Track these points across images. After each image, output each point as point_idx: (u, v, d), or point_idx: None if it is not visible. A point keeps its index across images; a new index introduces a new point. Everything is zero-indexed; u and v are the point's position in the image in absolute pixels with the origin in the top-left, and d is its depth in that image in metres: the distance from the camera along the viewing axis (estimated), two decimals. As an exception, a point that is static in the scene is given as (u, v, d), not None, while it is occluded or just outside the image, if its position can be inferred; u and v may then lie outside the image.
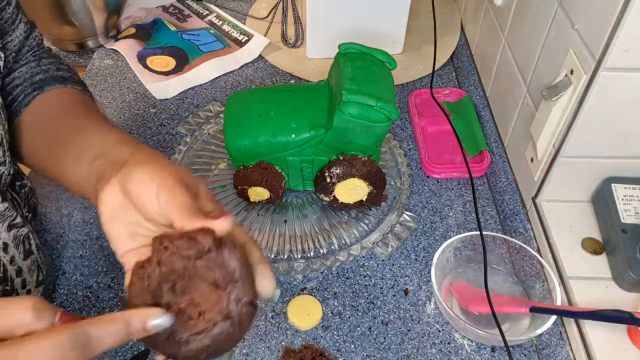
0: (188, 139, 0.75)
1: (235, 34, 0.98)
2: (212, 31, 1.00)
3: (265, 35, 0.98)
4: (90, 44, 0.96)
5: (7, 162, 0.51)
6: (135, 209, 0.38)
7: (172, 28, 0.99)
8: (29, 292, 0.56)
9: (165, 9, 1.05)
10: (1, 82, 0.53)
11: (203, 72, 0.91)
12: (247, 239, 0.38)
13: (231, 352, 0.39)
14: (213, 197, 0.42)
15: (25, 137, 0.53)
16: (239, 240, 0.36)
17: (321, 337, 0.59)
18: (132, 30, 0.98)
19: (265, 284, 0.37)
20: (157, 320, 0.34)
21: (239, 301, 0.35)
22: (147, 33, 0.98)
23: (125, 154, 0.42)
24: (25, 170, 0.67)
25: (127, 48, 0.94)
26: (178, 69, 0.91)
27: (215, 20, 1.02)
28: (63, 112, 0.52)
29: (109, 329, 0.32)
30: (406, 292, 0.62)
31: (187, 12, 1.05)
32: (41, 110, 0.53)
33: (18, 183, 0.62)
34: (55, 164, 0.48)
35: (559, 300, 0.55)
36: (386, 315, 0.60)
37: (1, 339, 0.31)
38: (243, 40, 0.97)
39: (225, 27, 1.00)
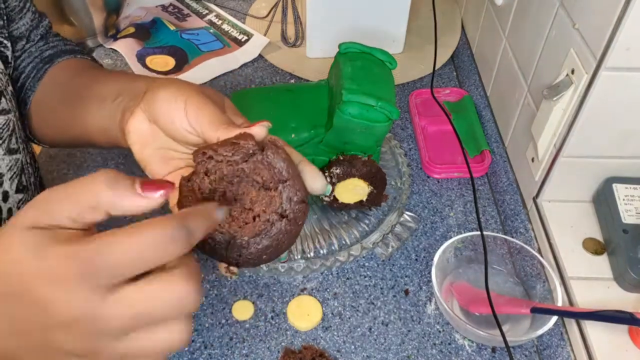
0: (188, 139, 0.75)
1: (234, 34, 0.98)
2: (211, 30, 0.99)
3: (265, 35, 0.98)
4: (90, 43, 0.96)
5: (20, 149, 0.52)
6: (165, 133, 0.38)
7: (172, 27, 0.99)
8: None
9: (164, 8, 1.05)
10: (11, 72, 0.54)
11: (203, 72, 0.90)
12: (286, 144, 0.38)
13: (289, 252, 0.39)
14: (239, 112, 0.41)
15: (43, 106, 0.53)
16: (279, 142, 0.36)
17: (321, 337, 0.58)
18: (132, 30, 0.98)
19: (315, 180, 0.37)
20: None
21: (290, 200, 0.36)
22: (147, 32, 0.98)
23: (142, 85, 0.42)
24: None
25: (126, 47, 0.94)
26: (177, 69, 0.91)
27: (214, 20, 1.02)
28: (77, 75, 0.53)
29: (199, 221, 0.31)
30: (406, 292, 0.62)
31: (186, 11, 1.05)
32: (55, 78, 0.54)
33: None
34: (77, 120, 0.48)
35: (559, 300, 0.55)
36: (386, 316, 0.60)
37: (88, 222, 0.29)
38: (243, 40, 0.97)
39: (225, 27, 1.00)
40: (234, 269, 0.39)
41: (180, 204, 0.37)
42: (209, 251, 0.37)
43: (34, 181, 0.57)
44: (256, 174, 0.35)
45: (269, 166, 0.35)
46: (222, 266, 0.39)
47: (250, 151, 0.35)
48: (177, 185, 0.36)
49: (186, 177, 0.37)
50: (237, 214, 0.36)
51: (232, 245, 0.36)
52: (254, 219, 0.36)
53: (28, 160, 0.55)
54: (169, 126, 0.38)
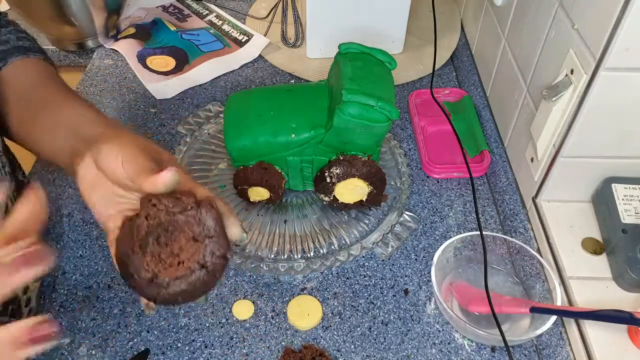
0: (188, 139, 0.75)
1: (235, 34, 0.98)
2: (212, 31, 0.99)
3: (265, 35, 0.98)
4: (90, 43, 0.96)
5: None
6: (109, 180, 0.43)
7: (172, 28, 0.99)
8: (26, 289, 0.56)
9: (165, 8, 1.05)
10: None
11: (203, 72, 0.90)
12: (217, 198, 0.43)
13: (206, 297, 0.44)
14: (175, 161, 0.47)
15: None
16: (215, 201, 0.42)
17: (321, 337, 0.59)
18: (132, 30, 0.98)
19: (234, 231, 0.43)
20: None
21: (213, 254, 0.41)
22: (147, 33, 0.98)
23: (96, 131, 0.47)
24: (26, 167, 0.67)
25: (127, 48, 0.94)
26: (178, 69, 0.91)
27: (215, 20, 1.02)
28: (30, 85, 0.55)
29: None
30: (406, 292, 0.62)
31: (186, 11, 1.05)
32: (7, 82, 0.55)
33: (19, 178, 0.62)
34: (29, 134, 0.52)
35: (559, 300, 0.55)
36: (386, 316, 0.60)
37: None
38: (243, 40, 0.97)
39: (225, 27, 1.00)
40: (152, 304, 0.43)
41: (119, 241, 0.41)
42: (132, 285, 0.41)
43: (8, 170, 0.57)
44: (188, 227, 0.41)
45: (200, 222, 0.41)
46: (144, 301, 0.44)
47: (189, 206, 0.40)
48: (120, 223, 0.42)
49: (129, 217, 0.41)
50: (165, 257, 0.41)
51: (153, 283, 0.41)
52: (178, 264, 0.41)
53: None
54: (111, 176, 0.43)
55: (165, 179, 0.40)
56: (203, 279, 0.41)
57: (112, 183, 0.43)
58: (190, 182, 0.44)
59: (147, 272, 0.41)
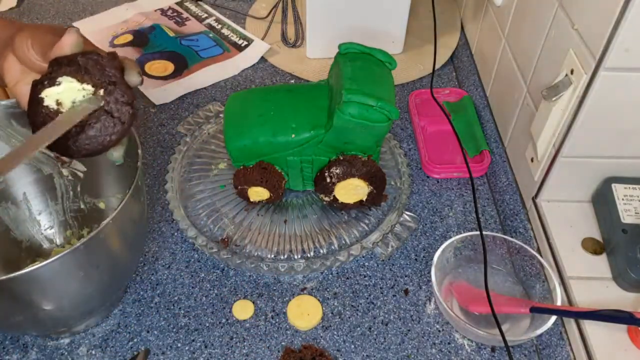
0: (188, 139, 0.75)
1: (234, 38, 0.98)
2: (211, 35, 0.99)
3: (265, 35, 0.98)
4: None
5: None
6: (28, 68, 0.46)
7: (171, 34, 0.99)
8: None
9: (163, 12, 1.05)
10: None
11: (202, 78, 0.90)
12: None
13: (123, 155, 0.47)
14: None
15: None
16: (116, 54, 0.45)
17: (321, 337, 0.59)
18: (129, 37, 0.97)
19: (133, 78, 0.45)
20: None
21: (117, 100, 0.43)
22: (145, 38, 0.97)
23: (10, 32, 0.48)
24: None
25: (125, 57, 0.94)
26: (177, 74, 0.91)
27: (214, 24, 1.02)
28: None
29: None
30: (406, 292, 0.62)
31: (185, 14, 1.04)
32: None
33: None
34: None
35: (559, 300, 0.55)
36: (386, 316, 0.60)
37: None
38: (242, 45, 0.96)
39: (225, 31, 1.00)
40: (64, 158, 0.48)
41: (29, 102, 0.44)
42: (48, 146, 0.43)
43: None
44: (91, 72, 0.43)
45: (102, 68, 0.43)
46: (55, 154, 0.49)
47: (94, 57, 0.43)
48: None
49: (35, 80, 0.44)
50: None
51: (62, 138, 0.43)
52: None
53: None
54: (27, 62, 0.46)
55: (69, 39, 0.43)
56: (110, 126, 0.43)
57: (33, 71, 0.46)
58: (93, 48, 0.47)
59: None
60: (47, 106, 0.44)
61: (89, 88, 0.43)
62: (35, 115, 0.44)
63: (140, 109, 0.45)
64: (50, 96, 0.44)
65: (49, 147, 0.43)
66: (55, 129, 0.43)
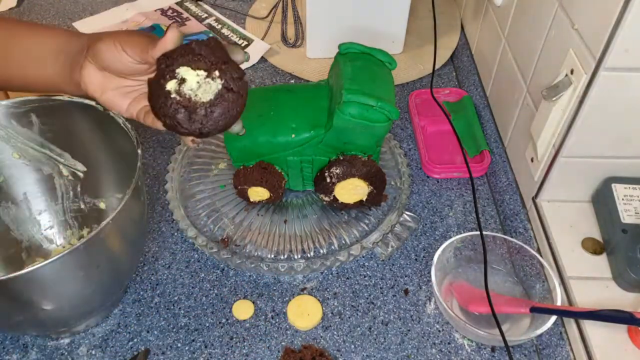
0: (188, 139, 0.75)
1: (234, 38, 0.98)
2: (211, 35, 0.99)
3: (265, 35, 0.98)
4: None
5: None
6: (116, 74, 0.48)
7: None
8: None
9: (163, 12, 1.05)
10: None
11: None
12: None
13: (242, 125, 0.51)
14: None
15: None
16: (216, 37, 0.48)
17: (321, 337, 0.59)
18: None
19: (238, 56, 0.48)
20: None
21: (233, 77, 0.46)
22: None
23: (80, 42, 0.50)
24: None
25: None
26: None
27: (214, 24, 1.02)
28: None
29: None
30: (406, 292, 0.62)
31: (185, 14, 1.04)
32: None
33: None
34: (13, 75, 0.54)
35: (559, 300, 0.55)
36: (386, 316, 0.60)
37: None
38: (242, 45, 0.96)
39: (225, 31, 1.00)
40: (197, 139, 0.52)
41: (150, 98, 0.47)
42: (176, 127, 0.47)
43: None
44: (204, 60, 0.46)
45: (213, 53, 0.46)
46: (188, 140, 0.52)
47: (205, 42, 0.46)
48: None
49: (151, 78, 0.47)
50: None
51: (193, 117, 0.46)
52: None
53: None
54: (119, 66, 0.47)
55: (173, 35, 0.45)
56: (234, 100, 0.47)
57: (119, 76, 0.48)
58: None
59: (183, 110, 0.46)
60: (174, 97, 0.46)
61: (203, 73, 0.46)
62: (165, 108, 0.46)
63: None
64: (174, 88, 0.46)
65: (183, 134, 0.47)
66: None
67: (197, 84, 0.46)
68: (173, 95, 0.46)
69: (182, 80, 0.46)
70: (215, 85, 0.46)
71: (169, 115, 0.47)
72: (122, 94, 0.50)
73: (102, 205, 0.66)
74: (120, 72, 0.48)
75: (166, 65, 0.46)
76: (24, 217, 0.65)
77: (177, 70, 0.46)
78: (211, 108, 0.46)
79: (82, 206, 0.66)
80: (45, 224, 0.66)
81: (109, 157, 0.61)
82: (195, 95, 0.46)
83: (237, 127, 0.50)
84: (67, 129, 0.60)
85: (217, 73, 0.46)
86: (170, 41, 0.46)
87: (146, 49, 0.46)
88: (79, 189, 0.65)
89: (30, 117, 0.59)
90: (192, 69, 0.46)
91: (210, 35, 0.99)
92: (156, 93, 0.46)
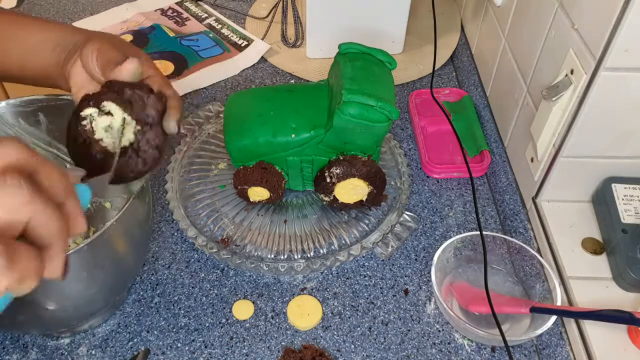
0: (188, 139, 0.75)
1: (234, 38, 0.98)
2: (211, 35, 0.99)
3: (265, 35, 0.98)
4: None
5: None
6: (91, 76, 0.47)
7: (171, 34, 0.99)
8: None
9: (163, 12, 1.05)
10: None
11: (202, 78, 0.90)
12: (173, 95, 0.48)
13: (142, 186, 0.49)
14: (144, 56, 0.50)
15: None
16: (164, 95, 0.46)
17: (321, 337, 0.59)
18: (129, 38, 0.97)
19: (171, 124, 0.46)
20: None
21: (148, 141, 0.44)
22: (145, 38, 0.97)
23: (78, 38, 0.50)
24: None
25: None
26: (177, 73, 0.91)
27: (214, 24, 1.02)
28: None
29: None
30: (406, 292, 0.62)
31: (185, 15, 1.04)
32: None
33: None
34: (12, 64, 0.54)
35: (559, 300, 0.55)
36: (386, 316, 0.60)
37: None
38: (243, 45, 0.96)
39: (225, 31, 1.00)
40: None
41: (73, 111, 0.45)
42: (67, 149, 0.45)
43: None
44: (134, 107, 0.44)
45: (144, 107, 0.44)
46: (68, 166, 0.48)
47: (141, 93, 0.44)
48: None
49: (85, 95, 0.45)
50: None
51: (88, 152, 0.45)
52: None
53: None
54: (87, 71, 0.47)
55: (129, 67, 0.44)
56: (133, 162, 0.44)
57: (94, 79, 0.47)
58: (158, 77, 0.48)
59: (84, 140, 0.45)
60: (83, 125, 0.45)
61: (129, 120, 0.44)
62: (70, 128, 0.45)
63: (166, 159, 0.45)
64: (89, 116, 0.45)
65: (76, 163, 0.45)
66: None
67: (109, 125, 0.44)
68: (83, 123, 0.45)
69: (104, 113, 0.44)
70: (127, 138, 0.44)
71: (68, 138, 0.45)
72: None
73: (107, 205, 0.66)
74: (96, 80, 0.47)
75: (101, 92, 0.44)
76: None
77: (104, 103, 0.44)
78: (104, 154, 0.44)
79: (88, 205, 0.66)
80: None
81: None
82: (101, 133, 0.45)
83: (132, 187, 0.48)
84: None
85: (136, 127, 0.44)
86: (125, 70, 0.45)
87: (109, 66, 0.45)
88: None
89: (38, 116, 0.59)
90: (120, 109, 0.44)
91: (210, 35, 0.99)
92: (75, 110, 0.45)
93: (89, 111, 0.45)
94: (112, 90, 0.44)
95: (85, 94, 0.45)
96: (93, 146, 0.45)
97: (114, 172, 0.44)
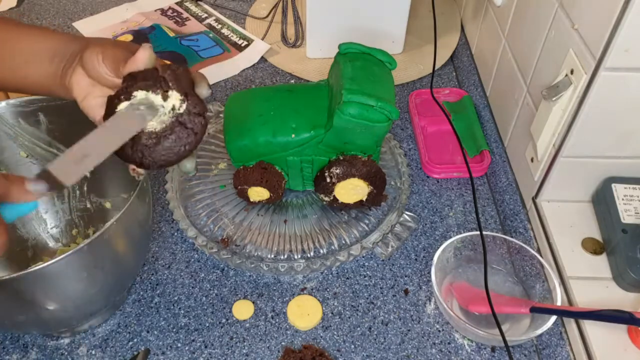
0: (188, 139, 0.75)
1: (234, 38, 0.98)
2: (211, 35, 0.99)
3: (265, 35, 0.98)
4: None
5: None
6: (98, 82, 0.47)
7: (171, 34, 0.99)
8: None
9: (163, 12, 1.05)
10: None
11: None
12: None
13: (195, 166, 0.49)
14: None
15: None
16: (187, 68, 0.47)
17: (321, 337, 0.59)
18: (129, 38, 0.97)
19: (203, 91, 0.47)
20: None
21: (190, 111, 0.44)
22: (145, 38, 0.97)
23: (76, 47, 0.49)
24: None
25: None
26: (177, 73, 0.91)
27: (214, 24, 1.02)
28: None
29: None
30: (406, 292, 0.62)
31: (185, 15, 1.04)
32: None
33: None
34: (12, 75, 0.53)
35: (559, 300, 0.55)
36: (386, 316, 0.60)
37: None
38: (242, 45, 0.96)
39: (225, 31, 1.00)
40: (140, 170, 0.46)
41: (104, 116, 0.45)
42: (118, 152, 0.44)
43: None
44: (169, 83, 0.44)
45: (178, 79, 0.44)
46: (130, 167, 0.47)
47: (172, 67, 0.44)
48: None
49: (111, 95, 0.45)
50: None
51: (136, 145, 0.44)
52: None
53: None
54: (98, 77, 0.46)
55: (143, 55, 0.44)
56: (184, 136, 0.44)
57: (102, 85, 0.47)
58: (163, 63, 0.48)
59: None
60: None
61: (171, 93, 0.44)
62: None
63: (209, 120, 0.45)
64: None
65: (125, 160, 0.45)
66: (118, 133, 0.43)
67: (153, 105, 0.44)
68: None
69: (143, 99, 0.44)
70: (168, 116, 0.44)
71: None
72: (101, 104, 0.48)
73: (108, 205, 0.66)
74: (102, 83, 0.47)
75: (127, 86, 0.44)
76: (30, 216, 0.65)
77: (134, 93, 0.44)
78: (157, 139, 0.44)
79: (89, 205, 0.66)
80: (51, 222, 0.66)
81: (116, 156, 0.61)
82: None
83: (189, 165, 0.48)
84: (74, 129, 0.60)
85: (180, 97, 0.44)
86: (140, 61, 0.45)
87: (120, 65, 0.45)
88: (85, 188, 0.66)
89: (38, 117, 0.59)
90: (152, 92, 0.44)
91: (210, 35, 0.99)
92: (108, 111, 0.45)
93: (125, 105, 0.44)
94: (136, 80, 0.44)
95: (109, 95, 0.45)
96: (141, 136, 0.44)
97: (165, 153, 0.44)
